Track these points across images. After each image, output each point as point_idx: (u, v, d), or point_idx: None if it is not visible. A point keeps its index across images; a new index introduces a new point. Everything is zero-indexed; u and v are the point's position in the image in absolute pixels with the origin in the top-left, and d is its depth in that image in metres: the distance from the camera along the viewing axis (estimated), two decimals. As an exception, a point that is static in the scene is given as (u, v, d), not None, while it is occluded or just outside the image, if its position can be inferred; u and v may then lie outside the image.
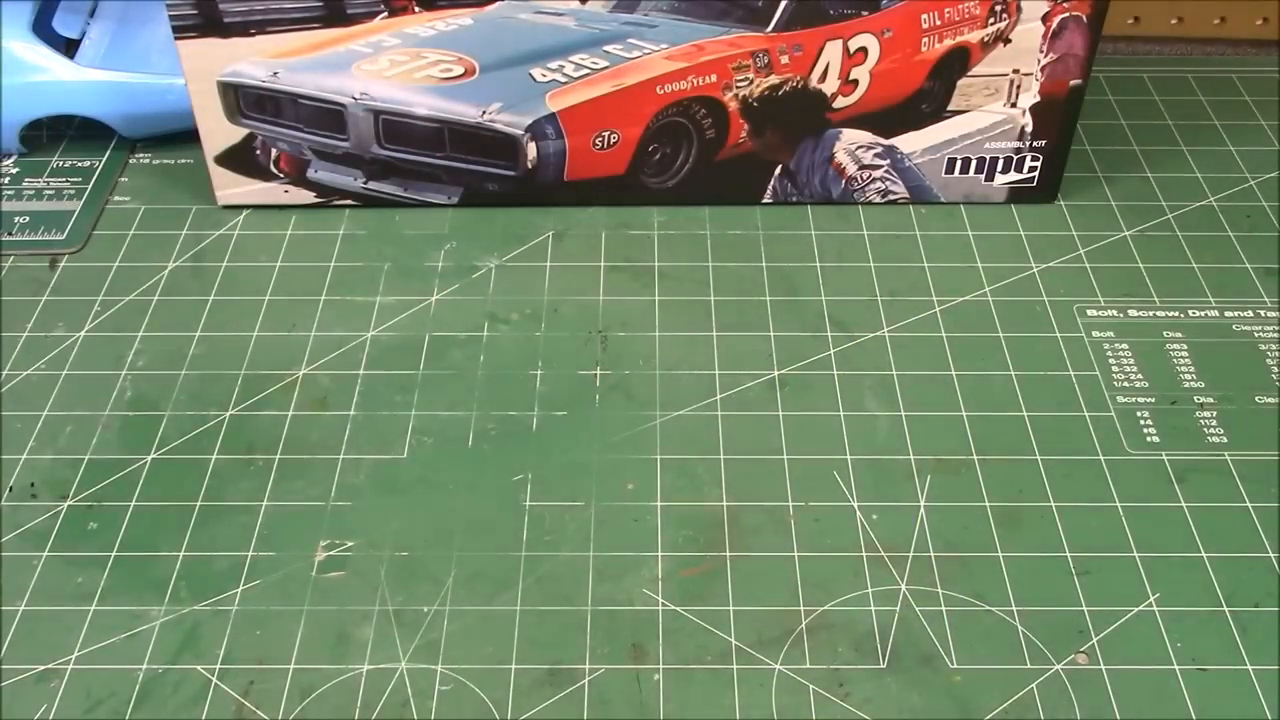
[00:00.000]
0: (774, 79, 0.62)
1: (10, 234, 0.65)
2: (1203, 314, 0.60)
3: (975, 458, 0.53)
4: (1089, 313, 0.60)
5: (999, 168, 0.65)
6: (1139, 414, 0.55)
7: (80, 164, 0.70)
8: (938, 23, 0.61)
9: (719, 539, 0.50)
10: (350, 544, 0.50)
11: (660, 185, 0.66)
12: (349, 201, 0.66)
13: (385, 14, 0.60)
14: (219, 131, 0.64)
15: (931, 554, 0.49)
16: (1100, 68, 0.75)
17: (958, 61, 0.62)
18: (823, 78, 0.62)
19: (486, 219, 0.65)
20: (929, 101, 0.63)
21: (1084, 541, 0.50)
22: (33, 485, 0.52)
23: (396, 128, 0.63)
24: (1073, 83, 0.63)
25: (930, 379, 0.57)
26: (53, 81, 0.68)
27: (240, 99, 0.63)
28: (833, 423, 0.55)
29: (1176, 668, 0.45)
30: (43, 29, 0.69)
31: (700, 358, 0.58)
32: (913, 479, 0.52)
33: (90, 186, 0.68)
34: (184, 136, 0.68)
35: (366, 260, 0.63)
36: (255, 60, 0.62)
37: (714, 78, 0.62)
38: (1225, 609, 0.47)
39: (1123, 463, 0.53)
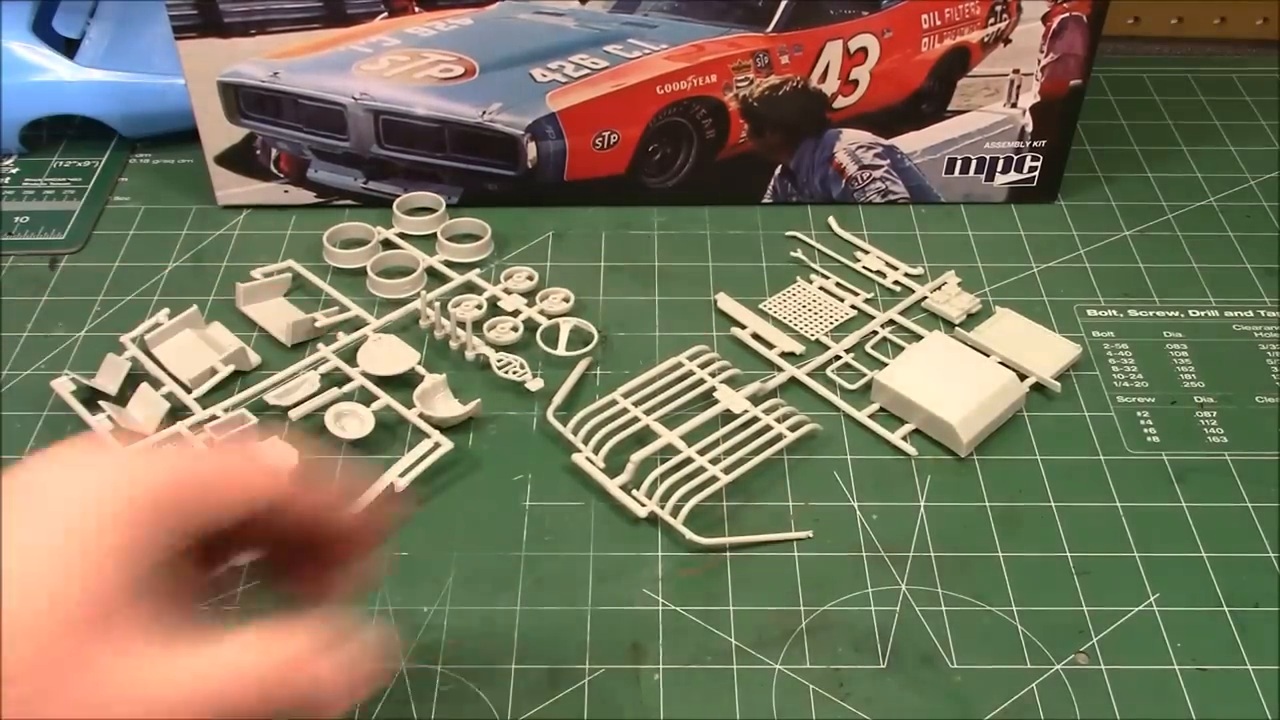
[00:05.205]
0: (774, 79, 0.62)
1: (10, 234, 0.65)
2: (1203, 314, 0.60)
3: (975, 458, 0.53)
4: (1089, 313, 0.60)
5: (999, 168, 0.65)
6: (1139, 414, 0.55)
7: (80, 164, 0.70)
8: (938, 23, 0.61)
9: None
10: (350, 544, 0.50)
11: (660, 185, 0.66)
12: (349, 201, 0.66)
13: (385, 14, 0.60)
14: (219, 131, 0.64)
15: (931, 554, 0.49)
16: (1100, 68, 0.75)
17: (958, 61, 0.62)
18: (823, 78, 0.62)
19: (486, 219, 0.65)
20: (929, 101, 0.63)
21: (1084, 541, 0.50)
22: (33, 485, 0.52)
23: (396, 128, 0.63)
24: (1073, 83, 0.63)
25: (930, 379, 0.57)
26: (53, 81, 0.68)
27: (240, 99, 0.63)
28: (833, 422, 0.55)
29: (1176, 668, 0.45)
30: (43, 29, 0.69)
31: (700, 358, 0.58)
32: (913, 479, 0.52)
33: (90, 186, 0.68)
34: (184, 136, 0.68)
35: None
36: (255, 60, 0.61)
37: (714, 78, 0.62)
38: (1225, 609, 0.47)
39: (1123, 463, 0.53)
